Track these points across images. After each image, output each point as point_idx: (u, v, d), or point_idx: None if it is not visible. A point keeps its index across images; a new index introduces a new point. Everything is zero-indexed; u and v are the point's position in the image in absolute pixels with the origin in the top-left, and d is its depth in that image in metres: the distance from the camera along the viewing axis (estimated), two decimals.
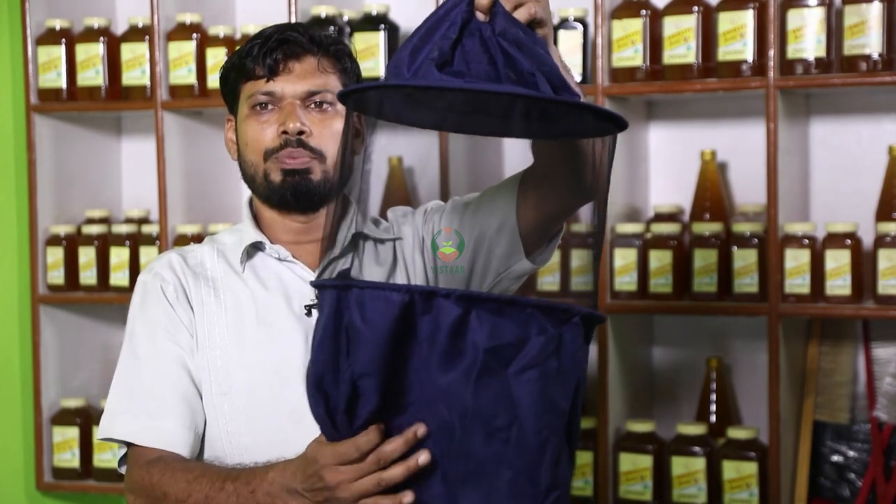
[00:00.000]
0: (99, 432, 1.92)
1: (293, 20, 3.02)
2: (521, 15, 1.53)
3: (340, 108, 1.87)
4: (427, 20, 1.54)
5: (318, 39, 1.87)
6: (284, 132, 1.84)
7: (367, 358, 1.48)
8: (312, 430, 1.62)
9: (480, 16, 1.51)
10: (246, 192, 3.54)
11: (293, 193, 1.86)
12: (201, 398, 1.87)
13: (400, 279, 1.94)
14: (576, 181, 1.76)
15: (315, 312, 1.78)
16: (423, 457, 1.51)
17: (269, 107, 1.86)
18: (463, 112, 1.63)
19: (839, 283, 2.69)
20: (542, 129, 1.59)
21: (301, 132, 1.84)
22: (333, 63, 1.88)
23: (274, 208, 1.91)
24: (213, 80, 3.12)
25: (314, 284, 1.58)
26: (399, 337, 1.48)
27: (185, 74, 3.14)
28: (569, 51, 2.88)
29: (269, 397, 1.82)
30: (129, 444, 1.87)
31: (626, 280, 2.84)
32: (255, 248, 1.92)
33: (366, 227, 1.94)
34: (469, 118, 1.65)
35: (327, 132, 1.85)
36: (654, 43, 2.82)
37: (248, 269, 1.91)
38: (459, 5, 1.52)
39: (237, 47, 3.09)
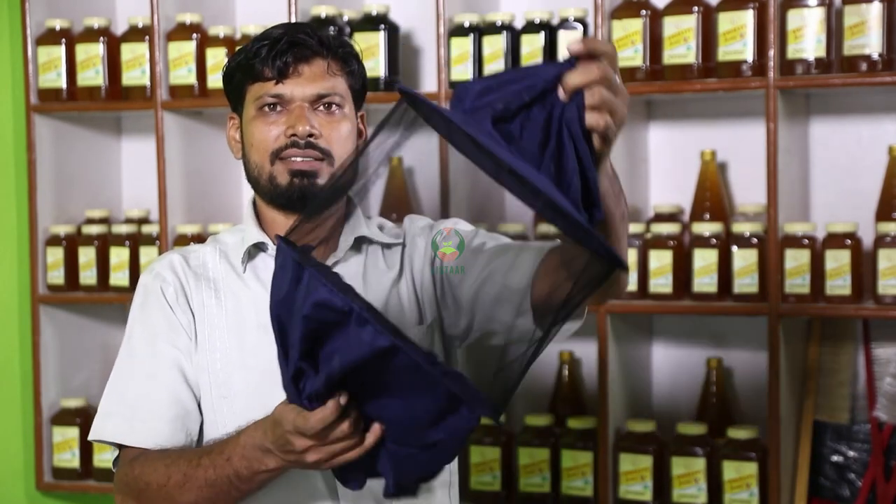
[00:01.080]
0: (91, 433, 1.92)
1: (293, 20, 3.02)
2: (591, 119, 1.46)
3: (348, 110, 1.87)
4: (518, 69, 1.53)
5: (327, 42, 1.86)
6: (293, 134, 1.83)
7: (302, 346, 1.51)
8: None
9: (562, 94, 1.46)
10: (247, 192, 3.55)
11: (300, 196, 1.84)
12: (199, 401, 1.87)
13: (405, 288, 1.93)
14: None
15: None
16: (370, 438, 1.55)
17: (278, 108, 1.85)
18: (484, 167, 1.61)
19: (839, 283, 2.69)
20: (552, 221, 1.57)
21: (311, 135, 1.83)
22: (341, 65, 1.88)
23: (279, 209, 1.90)
24: (214, 80, 3.12)
25: (279, 237, 1.59)
26: (334, 332, 1.49)
27: (185, 74, 3.14)
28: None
29: (269, 401, 1.79)
30: (120, 447, 1.88)
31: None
32: (258, 248, 1.92)
33: (370, 231, 1.94)
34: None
35: (335, 134, 1.84)
36: (654, 43, 2.82)
37: (249, 270, 1.90)
38: (549, 72, 1.47)
39: (237, 47, 3.10)
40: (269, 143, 1.84)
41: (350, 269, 1.89)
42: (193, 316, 1.88)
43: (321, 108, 1.85)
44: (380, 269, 1.93)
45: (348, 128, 1.86)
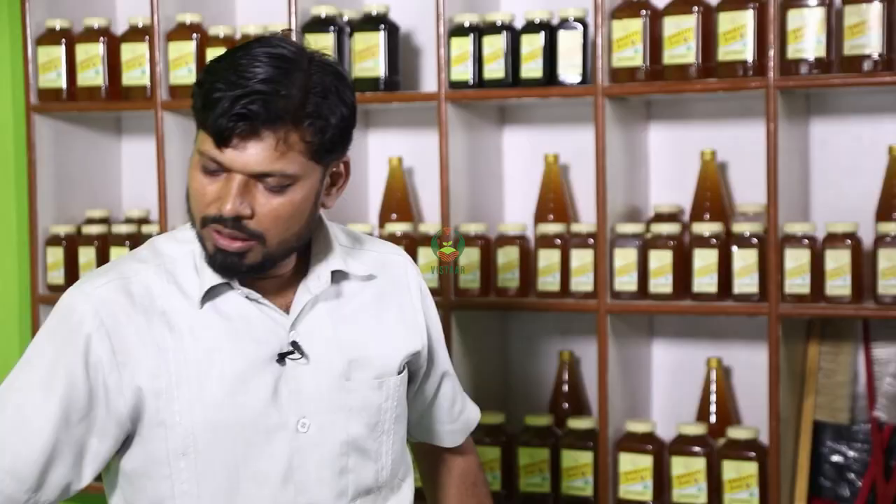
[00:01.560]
0: None
1: (293, 20, 3.01)
2: None
3: (303, 182, 1.63)
4: None
5: (291, 108, 1.58)
6: (220, 212, 1.61)
7: None
8: (277, 494, 1.63)
9: None
10: None
11: (222, 268, 1.66)
12: (118, 455, 1.70)
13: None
14: None
15: (288, 360, 1.69)
16: None
17: (218, 173, 1.62)
18: None
19: (839, 283, 2.69)
20: None
21: (237, 217, 1.61)
22: (302, 133, 1.60)
23: None
24: None
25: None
26: None
27: (185, 74, 3.14)
28: (569, 51, 2.88)
29: (233, 459, 1.67)
30: None
31: (626, 280, 2.84)
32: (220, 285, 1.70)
33: (345, 263, 1.77)
34: None
35: (273, 214, 1.62)
36: (654, 43, 2.82)
37: (208, 305, 1.69)
38: None
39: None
40: (202, 207, 1.63)
41: (318, 322, 1.74)
42: (139, 369, 1.65)
43: (266, 181, 1.61)
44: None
45: (297, 201, 1.63)
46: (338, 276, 1.77)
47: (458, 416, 1.97)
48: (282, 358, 1.69)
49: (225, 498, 1.67)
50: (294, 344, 1.70)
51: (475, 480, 2.00)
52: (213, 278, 1.68)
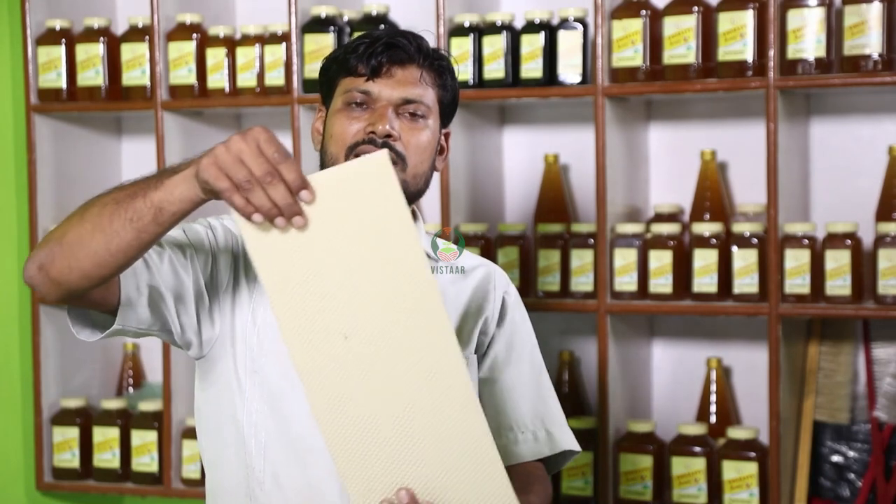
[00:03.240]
0: None
1: (293, 20, 3.02)
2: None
3: (432, 122, 1.87)
4: None
5: (425, 51, 1.87)
6: (372, 132, 1.82)
7: None
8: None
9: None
10: None
11: None
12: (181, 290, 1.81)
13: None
14: None
15: None
16: (299, 221, 1.53)
17: (364, 105, 1.84)
18: None
19: (839, 283, 2.69)
20: None
21: (389, 135, 1.82)
22: (434, 77, 1.88)
23: None
24: (214, 80, 3.12)
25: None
26: None
27: (185, 74, 3.14)
28: (569, 51, 2.88)
29: (292, 389, 1.80)
30: None
31: (626, 280, 2.84)
32: None
33: (429, 248, 1.97)
34: None
35: (414, 141, 1.84)
36: (654, 43, 2.82)
37: None
38: None
39: (237, 47, 3.11)
40: (348, 138, 1.83)
41: None
42: (247, 281, 1.84)
43: (406, 113, 1.84)
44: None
45: (428, 138, 1.86)
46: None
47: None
48: None
49: (286, 424, 1.81)
50: None
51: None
52: None
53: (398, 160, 1.82)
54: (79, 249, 1.62)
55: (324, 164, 1.88)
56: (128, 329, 1.76)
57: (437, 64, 1.88)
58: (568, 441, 1.99)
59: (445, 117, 1.92)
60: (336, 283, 1.56)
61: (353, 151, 1.82)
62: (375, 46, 1.84)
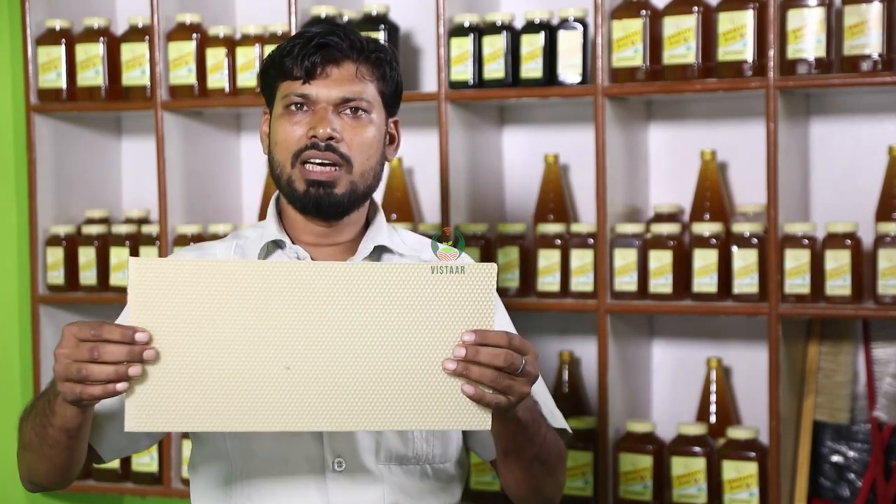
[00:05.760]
0: None
1: (293, 20, 3.02)
2: (469, 391, 1.63)
3: (376, 116, 1.87)
4: None
5: (360, 45, 1.86)
6: (314, 136, 1.83)
7: None
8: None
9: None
10: (247, 192, 3.55)
11: (315, 205, 1.85)
12: None
13: None
14: None
15: None
16: (133, 370, 1.59)
17: (304, 108, 1.85)
18: None
19: (839, 283, 2.69)
20: None
21: (331, 137, 1.83)
22: (372, 70, 1.87)
23: (298, 211, 1.90)
24: (214, 80, 3.12)
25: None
26: None
27: (185, 74, 3.14)
28: (569, 51, 2.88)
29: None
30: None
31: (626, 280, 2.84)
32: (276, 245, 1.92)
33: (391, 240, 1.95)
34: None
35: (358, 139, 1.84)
36: (654, 43, 2.82)
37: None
38: None
39: (237, 47, 3.12)
40: (292, 144, 1.84)
41: None
42: None
43: (347, 111, 1.85)
44: None
45: (373, 133, 1.86)
46: (383, 251, 1.94)
47: None
48: None
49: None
50: None
51: None
52: (275, 233, 1.90)
53: (343, 162, 1.84)
54: (39, 471, 1.79)
55: (272, 170, 1.89)
56: (121, 455, 1.91)
57: (373, 57, 1.87)
58: (559, 420, 1.99)
59: (391, 107, 1.92)
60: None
61: (298, 158, 1.84)
62: (308, 47, 1.84)
